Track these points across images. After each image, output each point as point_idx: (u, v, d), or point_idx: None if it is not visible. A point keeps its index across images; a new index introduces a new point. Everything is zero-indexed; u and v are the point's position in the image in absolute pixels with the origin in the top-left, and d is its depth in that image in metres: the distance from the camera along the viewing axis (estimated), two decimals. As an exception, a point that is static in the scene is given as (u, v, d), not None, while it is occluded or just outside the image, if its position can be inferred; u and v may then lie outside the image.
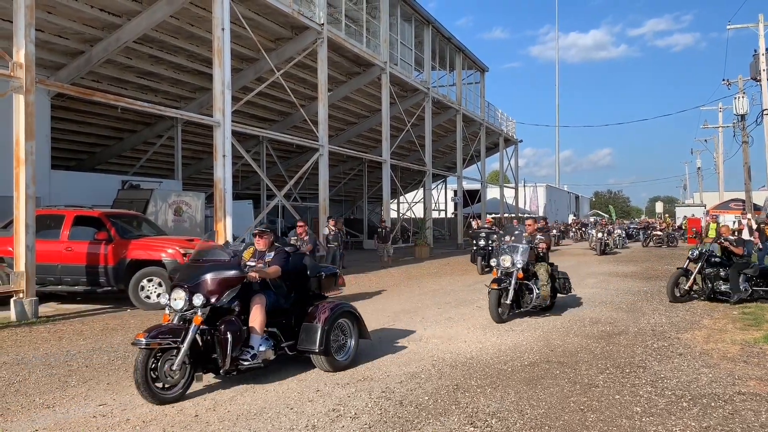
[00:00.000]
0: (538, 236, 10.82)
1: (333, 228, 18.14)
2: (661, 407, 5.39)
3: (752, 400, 5.56)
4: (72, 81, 16.94)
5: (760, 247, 17.59)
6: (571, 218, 47.14)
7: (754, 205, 30.67)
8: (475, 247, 19.23)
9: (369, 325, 9.41)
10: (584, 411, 5.29)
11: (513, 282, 9.63)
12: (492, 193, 46.46)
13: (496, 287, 9.47)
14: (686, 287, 11.82)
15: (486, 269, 17.61)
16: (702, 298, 11.87)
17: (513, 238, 10.39)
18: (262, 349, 6.06)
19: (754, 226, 19.26)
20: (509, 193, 45.23)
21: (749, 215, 21.08)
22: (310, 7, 18.76)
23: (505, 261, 9.77)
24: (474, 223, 25.26)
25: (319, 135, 19.54)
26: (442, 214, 46.90)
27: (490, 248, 17.98)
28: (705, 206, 47.01)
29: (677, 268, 12.50)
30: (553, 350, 7.64)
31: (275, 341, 6.34)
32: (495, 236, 17.73)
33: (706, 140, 54.60)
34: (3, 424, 5.10)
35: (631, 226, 47.05)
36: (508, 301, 9.51)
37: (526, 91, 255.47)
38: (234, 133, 15.50)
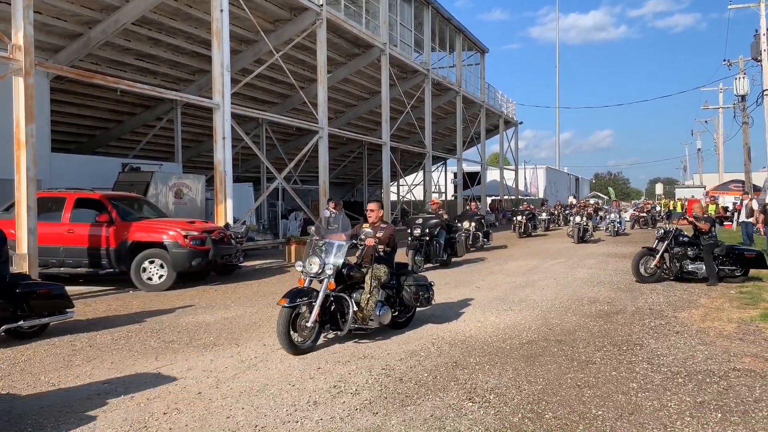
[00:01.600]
0: (365, 229, 7.75)
1: (333, 210, 18.19)
2: (657, 383, 5.47)
3: (747, 376, 5.65)
4: (71, 63, 16.89)
5: (762, 231, 17.59)
6: (571, 200, 46.98)
7: (754, 186, 30.72)
8: (410, 239, 14.58)
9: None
10: (581, 387, 5.38)
11: (321, 294, 6.76)
12: (492, 175, 46.45)
13: (285, 304, 6.56)
14: (652, 266, 11.72)
15: (417, 268, 13.69)
16: (671, 277, 11.84)
17: (330, 231, 7.73)
18: None
19: (756, 207, 19.21)
20: (509, 175, 45.22)
21: (751, 196, 21.05)
22: (309, -12, 18.65)
23: (312, 264, 6.92)
24: (472, 207, 22.98)
25: (318, 117, 19.52)
26: (442, 197, 46.95)
27: (426, 240, 14.53)
28: (705, 187, 47.11)
29: (642, 248, 12.45)
30: (551, 329, 7.73)
31: None
32: (438, 224, 14.85)
33: (706, 121, 54.59)
34: (9, 402, 5.19)
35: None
36: (310, 323, 6.67)
37: (526, 72, 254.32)
38: (233, 116, 15.51)
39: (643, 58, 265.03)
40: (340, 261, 7.00)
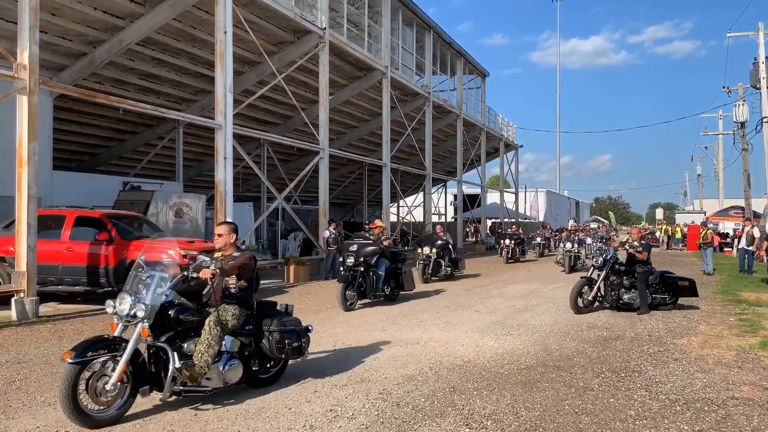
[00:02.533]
0: (201, 257, 6.09)
1: (334, 231, 18.20)
2: (654, 411, 5.45)
3: (745, 405, 5.63)
4: (74, 82, 17.02)
5: (762, 258, 17.51)
6: (571, 224, 46.82)
7: (754, 212, 30.79)
8: (341, 269, 12.62)
9: (368, 328, 9.47)
10: (579, 414, 5.35)
11: (129, 345, 5.13)
12: (492, 197, 46.53)
13: (69, 359, 4.88)
14: (590, 297, 11.20)
15: (350, 305, 11.76)
16: (607, 306, 11.49)
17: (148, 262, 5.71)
18: None
19: (757, 235, 19.09)
20: (510, 198, 45.31)
21: (752, 223, 20.98)
22: (313, 12, 18.86)
23: (123, 303, 5.24)
24: (437, 230, 19.41)
25: (319, 138, 19.62)
26: (442, 219, 47.00)
27: (361, 271, 12.20)
28: (705, 213, 47.18)
29: (581, 277, 11.65)
30: (549, 354, 7.71)
31: None
32: (375, 252, 12.49)
33: (706, 147, 54.84)
34: (5, 421, 5.17)
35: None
36: (110, 385, 5.04)
37: (526, 96, 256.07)
38: (235, 136, 15.59)
39: (643, 83, 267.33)
40: (160, 300, 5.35)
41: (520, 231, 28.44)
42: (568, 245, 20.70)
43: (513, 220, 44.26)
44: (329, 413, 5.33)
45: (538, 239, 29.58)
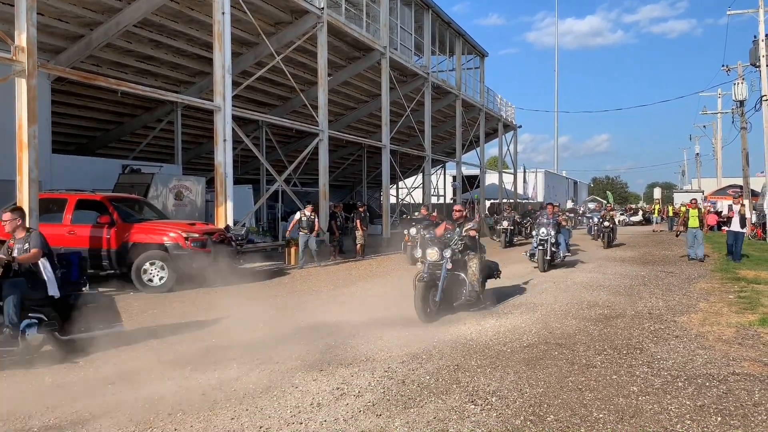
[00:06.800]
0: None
1: (310, 214, 17.00)
2: (657, 387, 5.52)
3: (746, 380, 5.70)
4: (72, 65, 16.89)
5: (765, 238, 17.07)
6: (569, 204, 46.72)
7: (752, 191, 30.83)
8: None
9: (370, 308, 9.54)
10: (582, 390, 5.42)
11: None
12: (491, 178, 46.49)
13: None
14: None
15: None
16: None
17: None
18: None
19: (748, 215, 18.64)
20: (508, 179, 45.29)
21: (744, 201, 20.68)
22: (310, -9, 18.71)
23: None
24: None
25: (318, 120, 19.57)
26: (441, 200, 47.00)
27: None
28: (703, 192, 47.25)
29: None
30: (551, 332, 7.77)
31: None
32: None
33: (705, 126, 54.62)
34: (15, 401, 5.21)
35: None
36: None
37: (522, 77, 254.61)
38: (234, 118, 15.54)
39: (641, 63, 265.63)
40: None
41: (434, 214, 19.85)
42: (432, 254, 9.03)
43: (512, 200, 44.29)
44: (336, 391, 5.40)
45: (505, 223, 22.87)
